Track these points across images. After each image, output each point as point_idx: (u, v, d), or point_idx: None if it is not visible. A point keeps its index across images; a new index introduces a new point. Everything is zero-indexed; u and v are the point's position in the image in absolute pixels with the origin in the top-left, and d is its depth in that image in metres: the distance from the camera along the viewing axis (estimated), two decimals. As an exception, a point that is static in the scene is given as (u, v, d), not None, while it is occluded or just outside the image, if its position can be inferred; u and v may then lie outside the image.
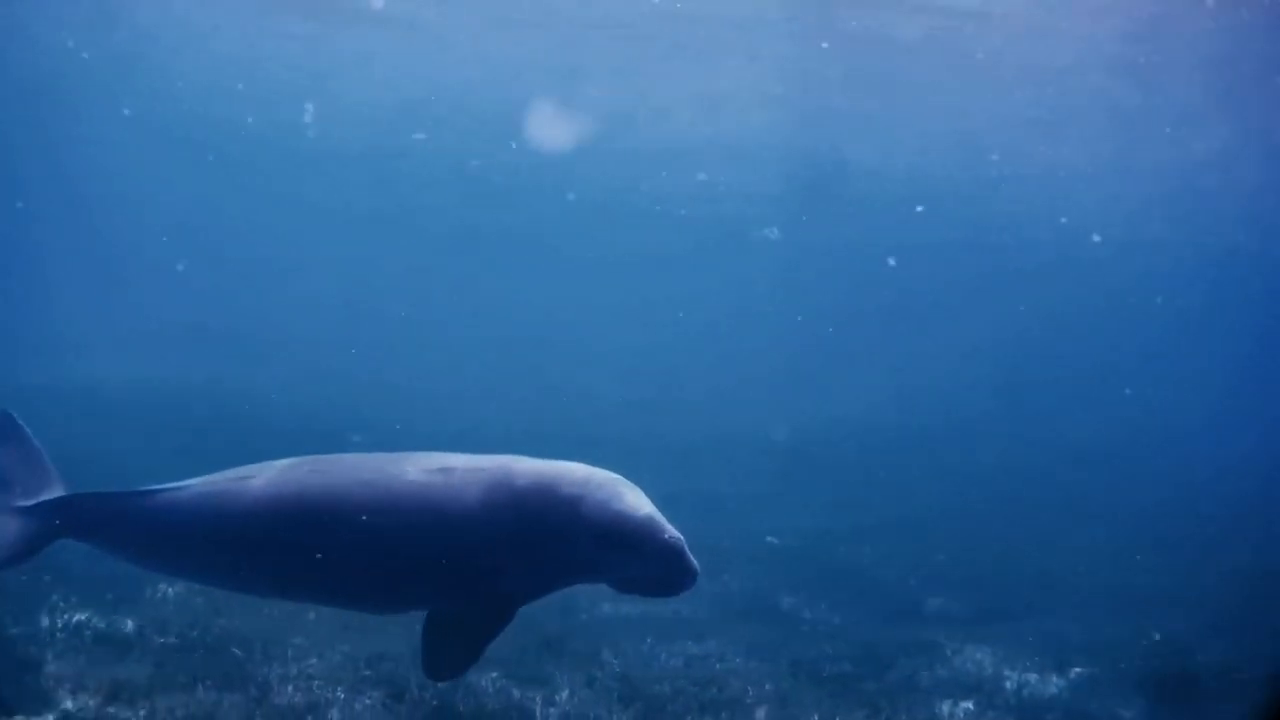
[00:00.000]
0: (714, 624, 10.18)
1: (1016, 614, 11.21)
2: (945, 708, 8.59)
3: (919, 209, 35.98)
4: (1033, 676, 9.59)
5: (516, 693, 8.08)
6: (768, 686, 8.54)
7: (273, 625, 8.84)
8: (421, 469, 6.39)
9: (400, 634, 8.45)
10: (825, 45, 24.21)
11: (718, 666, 9.06)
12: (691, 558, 5.82)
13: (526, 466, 6.29)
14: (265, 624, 8.87)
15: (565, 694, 8.13)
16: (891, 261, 38.46)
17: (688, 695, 8.23)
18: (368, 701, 7.68)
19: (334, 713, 7.51)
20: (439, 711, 7.62)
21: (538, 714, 7.80)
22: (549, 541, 6.10)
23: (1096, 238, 36.27)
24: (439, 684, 7.08)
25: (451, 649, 6.26)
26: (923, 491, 17.86)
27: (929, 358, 38.26)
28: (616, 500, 6.04)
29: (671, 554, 5.88)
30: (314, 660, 8.30)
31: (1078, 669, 9.84)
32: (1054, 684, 9.50)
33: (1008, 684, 9.37)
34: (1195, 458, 23.05)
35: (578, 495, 6.08)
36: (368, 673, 8.11)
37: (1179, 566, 13.76)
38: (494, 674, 8.27)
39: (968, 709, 8.67)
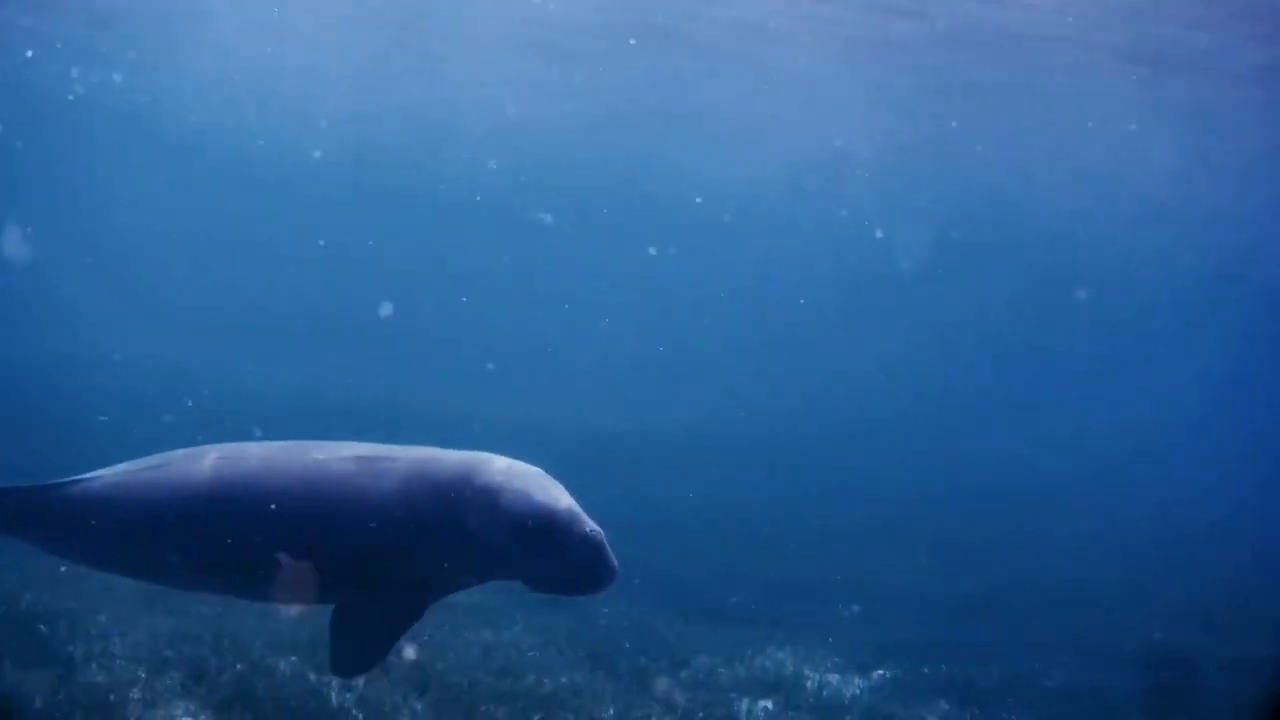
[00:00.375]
0: (512, 614, 10.37)
1: (820, 616, 11.47)
2: (744, 705, 8.85)
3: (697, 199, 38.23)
4: (834, 677, 9.90)
5: (313, 677, 8.28)
6: (564, 679, 8.78)
7: (79, 602, 9.00)
8: (337, 457, 6.39)
9: (204, 615, 8.67)
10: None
11: (515, 656, 9.28)
12: (611, 554, 5.87)
13: (445, 456, 6.34)
14: (72, 600, 9.03)
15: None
16: (652, 251, 40.38)
17: (484, 685, 8.45)
18: (168, 682, 7.87)
19: (135, 692, 7.70)
20: (237, 695, 7.77)
21: (333, 699, 8.01)
22: (466, 533, 6.10)
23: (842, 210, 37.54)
24: (341, 678, 7.11)
25: (359, 644, 6.26)
26: (741, 490, 18.20)
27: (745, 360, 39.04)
28: (538, 492, 6.06)
29: (591, 548, 5.92)
30: (117, 639, 8.48)
31: (880, 671, 10.16)
32: (855, 685, 9.84)
33: (808, 684, 9.65)
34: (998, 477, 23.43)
35: (497, 486, 6.09)
36: (169, 653, 8.30)
37: (992, 575, 14.52)
38: (292, 658, 8.48)
39: (766, 708, 8.94)
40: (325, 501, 6.24)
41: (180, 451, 6.63)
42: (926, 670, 10.24)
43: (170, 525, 6.34)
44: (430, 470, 6.19)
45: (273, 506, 6.19)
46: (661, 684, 9.04)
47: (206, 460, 6.49)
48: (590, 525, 5.88)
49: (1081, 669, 11.01)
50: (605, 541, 5.86)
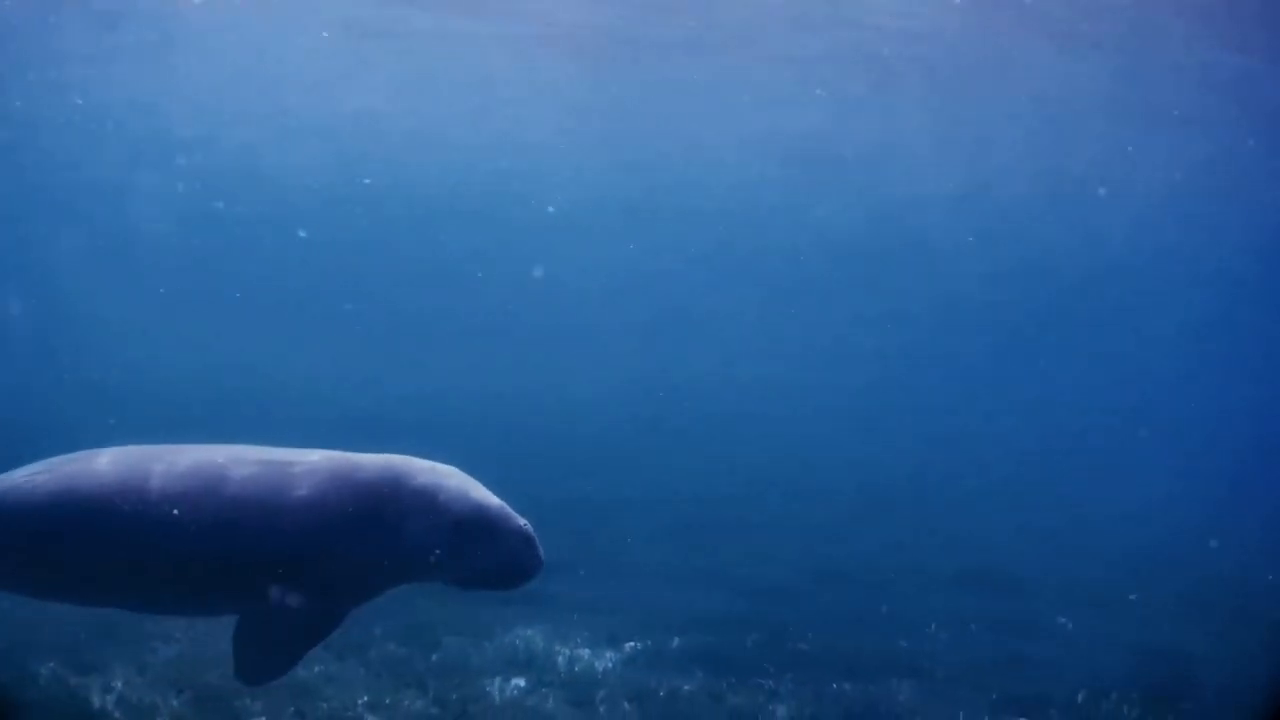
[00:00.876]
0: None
1: (569, 593, 11.92)
2: (496, 685, 9.37)
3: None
4: (585, 652, 10.44)
5: (73, 680, 8.65)
6: (317, 668, 9.19)
7: None
8: (249, 461, 6.25)
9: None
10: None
11: None
12: (540, 546, 6.13)
13: (365, 459, 6.30)
14: None
15: (120, 682, 8.74)
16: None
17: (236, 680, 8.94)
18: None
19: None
20: (-2, 705, 8.00)
21: (94, 701, 8.36)
22: (398, 535, 6.12)
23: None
24: (247, 685, 6.71)
25: (268, 652, 6.19)
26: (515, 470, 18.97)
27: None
28: (472, 490, 6.20)
29: (523, 541, 6.14)
30: None
31: (632, 643, 10.74)
32: (607, 659, 10.39)
33: (559, 660, 10.17)
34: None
35: (432, 486, 6.17)
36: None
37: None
38: (51, 663, 8.84)
39: (519, 686, 9.47)
40: (239, 507, 6.07)
41: (76, 454, 6.41)
42: (677, 641, 10.82)
43: (63, 533, 6.12)
44: (354, 474, 6.18)
45: (175, 512, 5.99)
46: (413, 669, 9.52)
47: (100, 462, 6.29)
48: (521, 520, 6.13)
49: (844, 634, 11.81)
50: (534, 535, 6.13)
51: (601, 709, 9.05)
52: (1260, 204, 31.70)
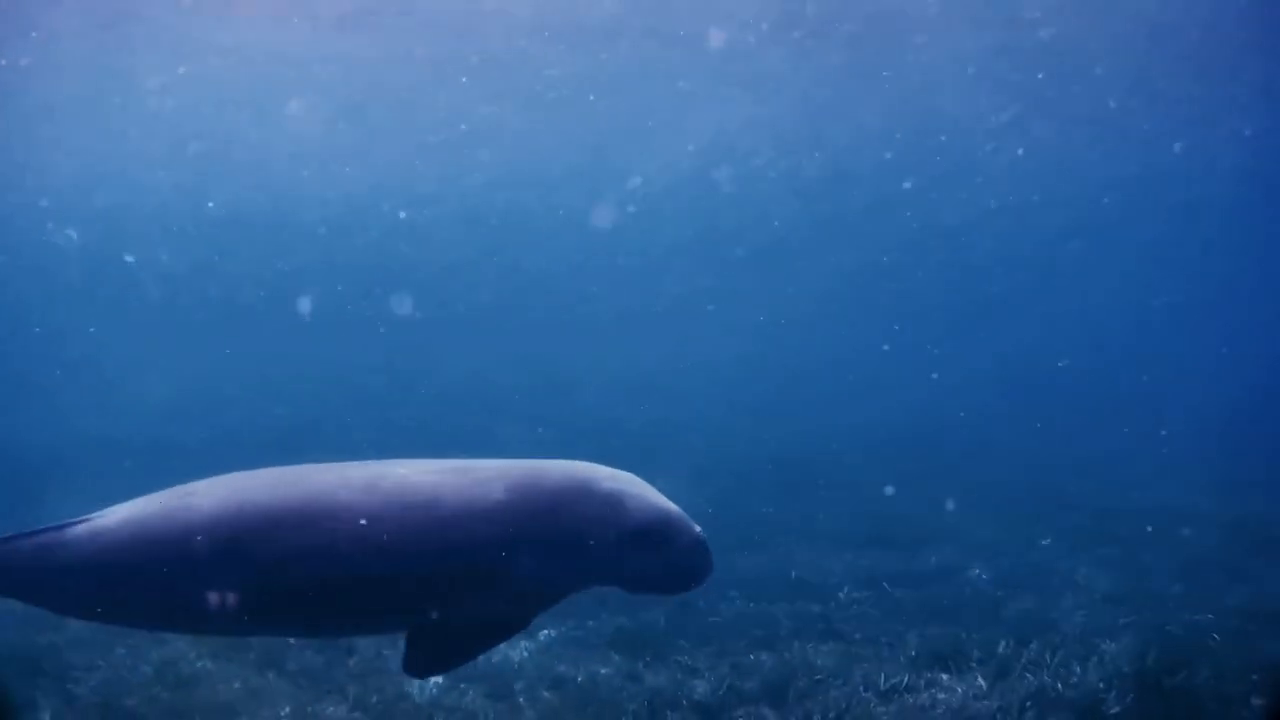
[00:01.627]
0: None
1: None
2: (415, 685, 9.66)
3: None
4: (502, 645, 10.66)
5: (-1, 722, 8.91)
6: (237, 684, 9.55)
7: None
8: (432, 470, 6.34)
9: None
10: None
11: (186, 669, 9.92)
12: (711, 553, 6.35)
13: (550, 465, 6.46)
14: None
15: (48, 715, 8.98)
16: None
17: (162, 702, 9.20)
18: None
19: None
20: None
21: None
22: (587, 539, 6.25)
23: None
24: (414, 676, 6.86)
25: (443, 651, 6.36)
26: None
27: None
28: (653, 496, 6.40)
29: (701, 548, 6.35)
30: None
31: (546, 631, 11.18)
32: (522, 649, 10.80)
33: (479, 656, 10.40)
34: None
35: (618, 492, 6.35)
36: None
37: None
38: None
39: (438, 684, 9.78)
40: (427, 517, 6.14)
41: (223, 477, 6.39)
42: (592, 625, 11.17)
43: (229, 559, 6.05)
44: (541, 481, 6.32)
45: (367, 524, 6.01)
46: (333, 676, 9.84)
47: (259, 482, 6.32)
48: (697, 526, 6.34)
49: (756, 603, 12.34)
50: (707, 541, 6.34)
51: (521, 700, 9.41)
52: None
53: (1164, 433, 25.96)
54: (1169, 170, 34.03)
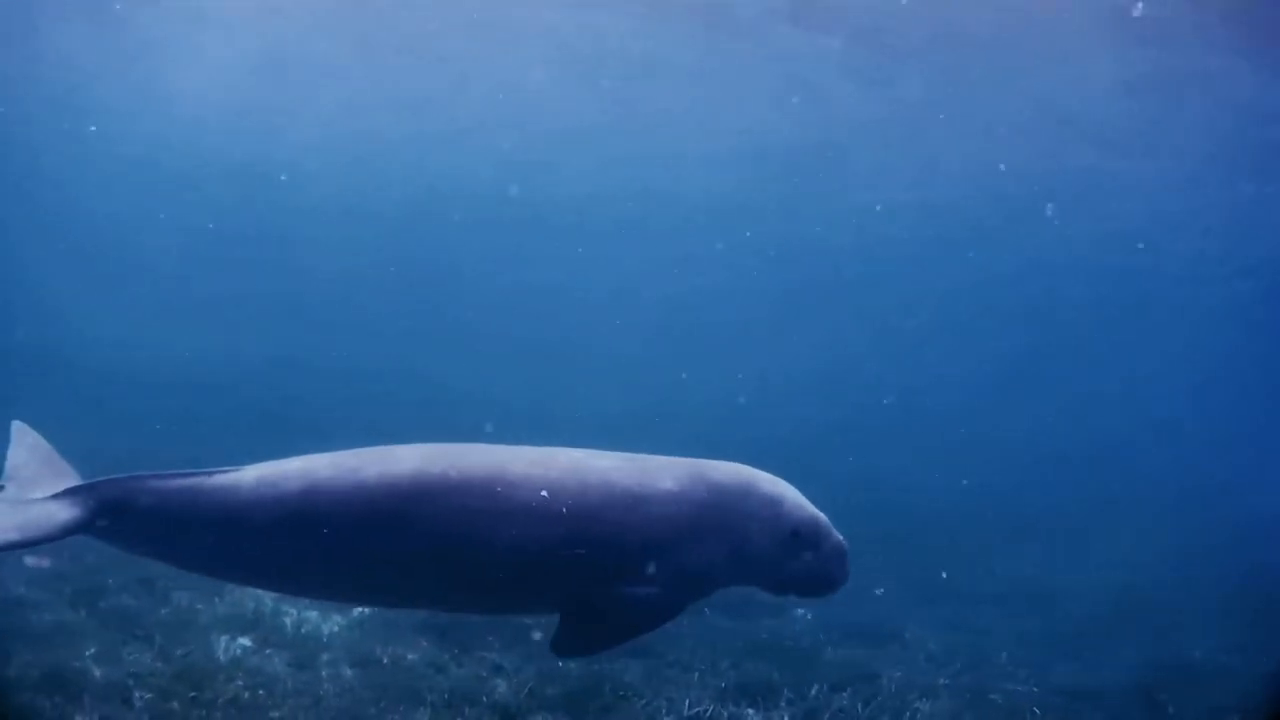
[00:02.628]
0: None
1: None
2: (222, 642, 10.08)
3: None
4: (313, 614, 11.24)
5: None
6: (48, 616, 9.99)
7: None
8: (606, 456, 6.87)
9: None
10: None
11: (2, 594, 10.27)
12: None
13: (715, 464, 7.06)
14: None
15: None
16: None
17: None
18: None
19: None
20: None
21: None
22: (746, 535, 6.84)
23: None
24: (561, 656, 7.19)
25: (601, 635, 6.77)
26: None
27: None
28: (806, 504, 7.04)
29: (841, 556, 7.07)
30: None
31: (361, 610, 11.50)
32: (334, 622, 11.19)
33: (287, 621, 10.95)
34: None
35: (778, 494, 7.00)
36: None
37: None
38: None
39: (244, 644, 10.21)
40: (604, 498, 6.61)
41: (394, 447, 6.71)
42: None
43: (417, 522, 6.37)
44: (709, 474, 6.94)
45: (546, 500, 6.45)
46: (144, 622, 10.18)
47: (440, 451, 6.68)
48: (840, 535, 7.02)
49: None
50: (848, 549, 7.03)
51: (323, 672, 9.80)
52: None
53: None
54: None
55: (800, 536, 6.91)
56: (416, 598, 7.20)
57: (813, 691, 10.60)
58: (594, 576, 6.57)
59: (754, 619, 13.60)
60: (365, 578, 6.61)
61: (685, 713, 9.80)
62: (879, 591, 15.15)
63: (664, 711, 9.80)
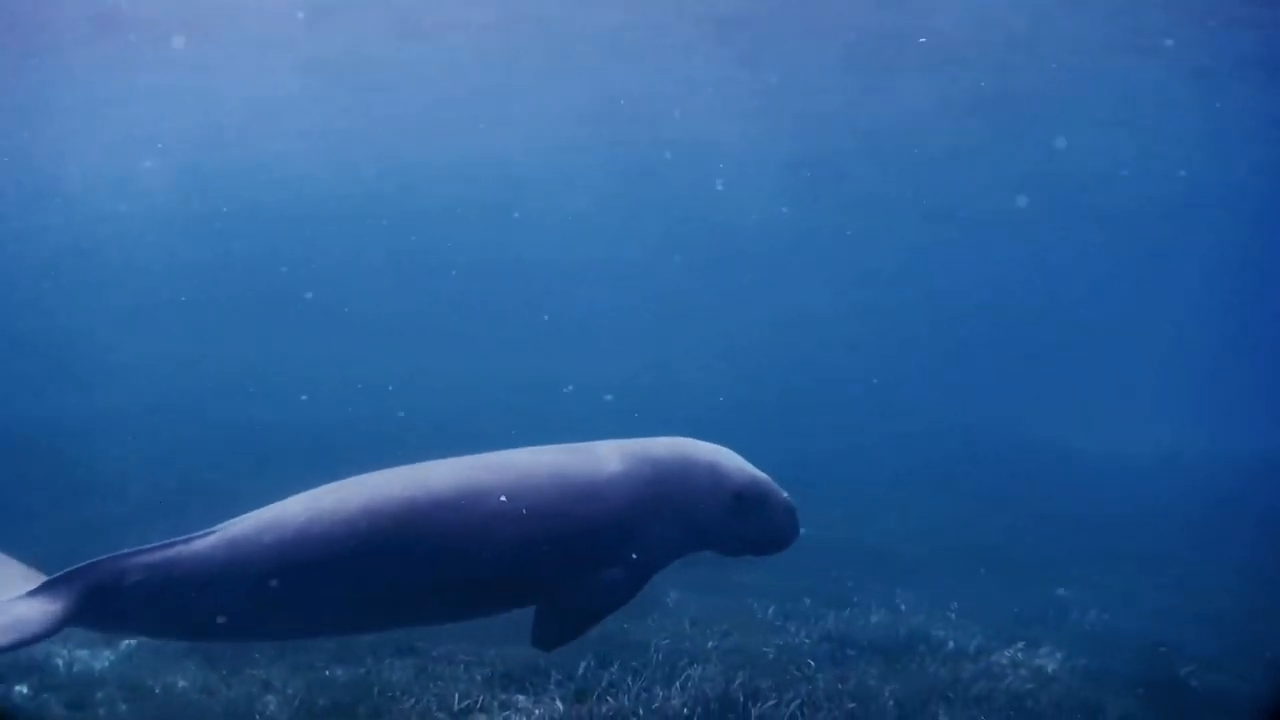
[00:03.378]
0: None
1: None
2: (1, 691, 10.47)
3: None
4: (83, 653, 11.61)
5: None
6: None
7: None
8: (551, 452, 7.41)
9: None
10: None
11: None
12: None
13: (653, 442, 7.60)
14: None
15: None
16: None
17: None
18: None
19: None
20: None
21: None
22: (693, 505, 7.39)
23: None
24: (542, 650, 7.69)
25: (575, 621, 7.26)
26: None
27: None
28: (745, 465, 7.58)
29: (789, 513, 7.57)
30: None
31: (128, 641, 11.84)
32: (105, 658, 11.60)
33: (59, 663, 11.33)
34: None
35: (715, 462, 7.53)
36: None
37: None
38: None
39: (22, 692, 10.60)
40: (560, 493, 7.18)
41: (352, 480, 7.18)
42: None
43: (382, 556, 6.79)
44: (649, 454, 7.47)
45: (524, 509, 6.99)
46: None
47: (397, 477, 7.18)
48: (785, 492, 7.54)
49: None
50: (795, 506, 7.55)
51: (100, 710, 10.25)
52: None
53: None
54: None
55: (744, 499, 7.45)
56: (404, 620, 7.78)
57: (580, 669, 11.02)
58: (562, 570, 7.14)
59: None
60: (354, 612, 7.05)
61: (456, 706, 10.19)
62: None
63: (435, 708, 10.15)
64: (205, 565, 6.71)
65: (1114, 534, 21.32)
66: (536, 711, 10.12)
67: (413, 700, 10.29)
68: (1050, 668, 12.31)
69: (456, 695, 10.35)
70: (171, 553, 6.72)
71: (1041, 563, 18.91)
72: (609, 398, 26.34)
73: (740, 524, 7.53)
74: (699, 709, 9.83)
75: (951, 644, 13.13)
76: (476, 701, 10.28)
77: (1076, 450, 32.13)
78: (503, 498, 6.98)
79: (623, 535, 7.24)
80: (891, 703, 10.35)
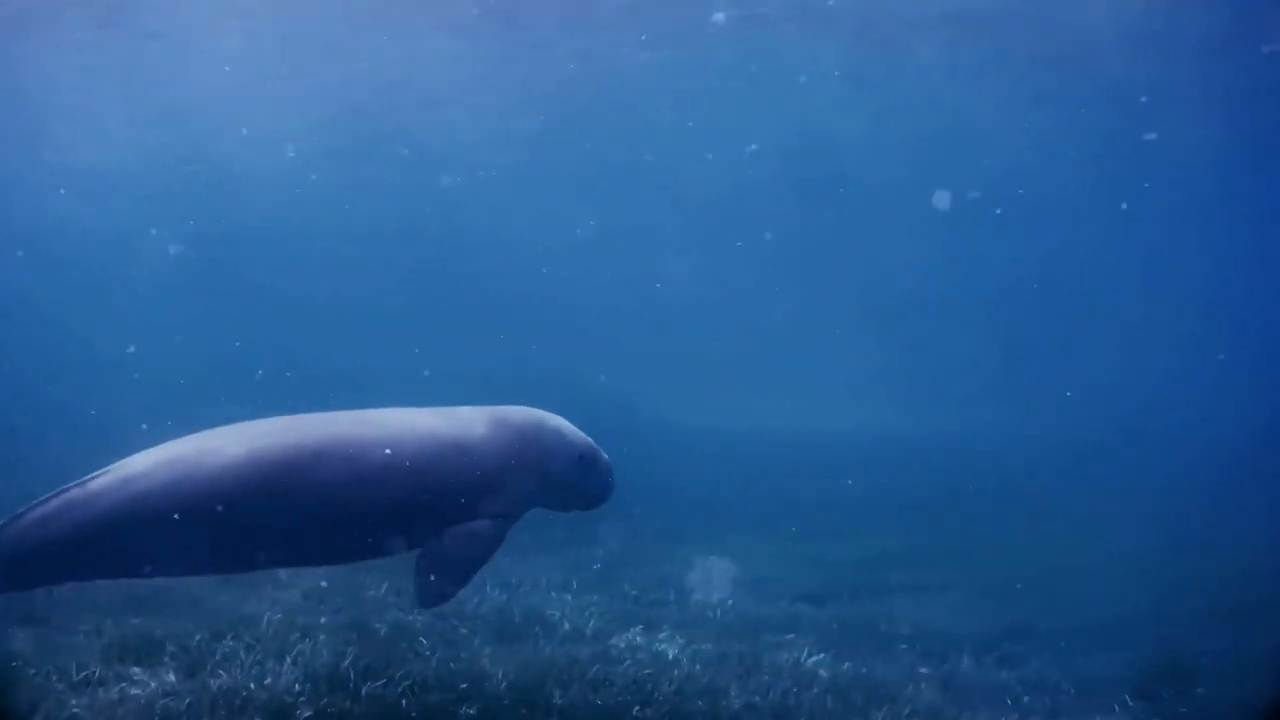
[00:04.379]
0: None
1: None
2: None
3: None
4: None
5: None
6: None
7: None
8: (427, 415, 8.74)
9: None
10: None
11: None
12: None
13: (509, 409, 9.16)
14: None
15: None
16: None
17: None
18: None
19: None
20: None
21: None
22: (545, 465, 9.04)
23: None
24: (426, 609, 9.28)
25: (444, 578, 8.48)
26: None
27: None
28: (580, 432, 9.29)
29: (610, 469, 9.40)
30: None
31: None
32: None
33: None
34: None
35: (560, 427, 9.22)
36: None
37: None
38: None
39: None
40: (434, 452, 8.52)
41: (245, 424, 8.27)
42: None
43: (255, 500, 7.88)
44: (508, 420, 9.05)
45: (386, 451, 8.19)
46: None
47: (287, 424, 8.27)
48: (605, 454, 9.28)
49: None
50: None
51: None
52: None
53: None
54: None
55: (584, 459, 9.24)
56: (294, 558, 9.19)
57: (195, 641, 11.35)
58: (435, 520, 8.50)
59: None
60: (244, 549, 8.17)
61: (75, 678, 10.32)
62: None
63: (55, 679, 10.26)
64: (101, 505, 7.69)
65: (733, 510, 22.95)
66: (151, 684, 10.26)
67: (33, 671, 10.37)
68: (671, 652, 12.98)
69: (74, 665, 10.54)
70: (68, 497, 7.69)
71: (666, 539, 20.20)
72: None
73: (580, 480, 9.25)
74: (309, 685, 10.10)
75: (568, 625, 13.79)
76: (94, 673, 10.46)
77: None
78: (388, 451, 8.19)
79: (489, 488, 8.68)
80: (505, 685, 10.77)
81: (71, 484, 7.72)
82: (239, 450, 7.91)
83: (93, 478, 7.72)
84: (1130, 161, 41.30)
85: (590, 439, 9.30)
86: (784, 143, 40.85)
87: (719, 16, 27.26)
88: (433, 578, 8.50)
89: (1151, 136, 36.66)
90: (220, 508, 7.77)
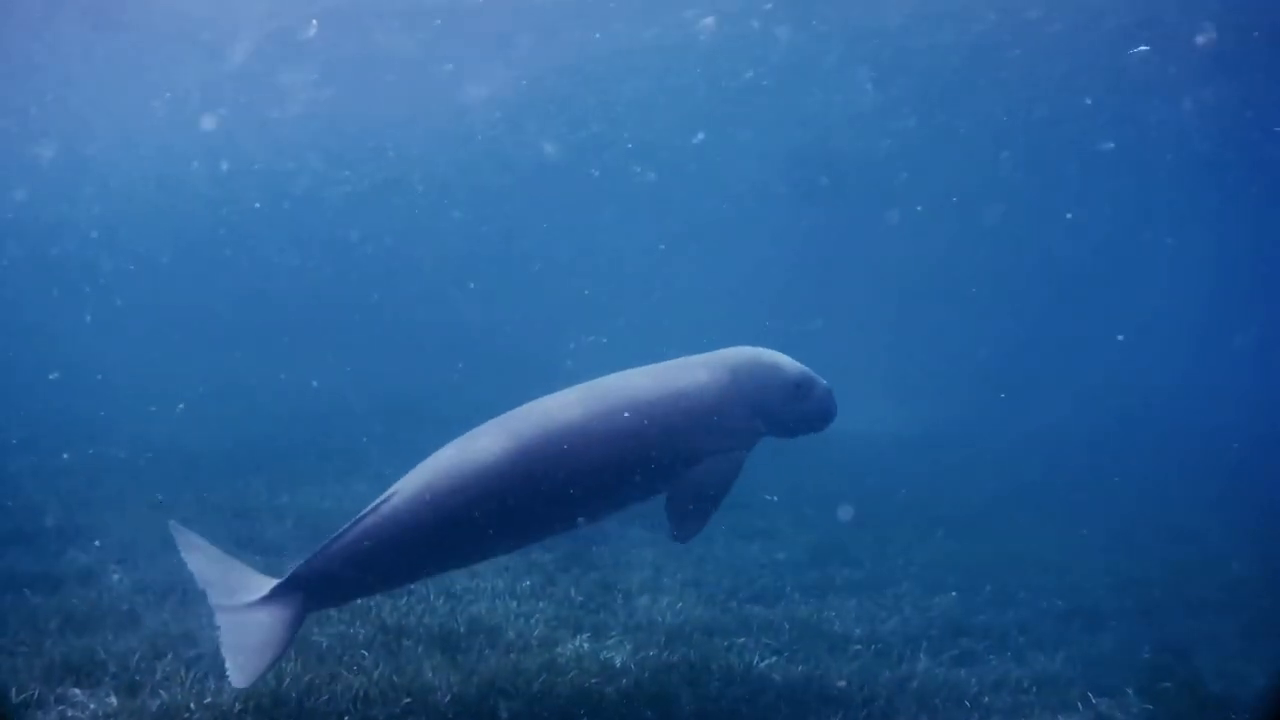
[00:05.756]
0: None
1: None
2: None
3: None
4: None
5: None
6: None
7: None
8: (645, 374, 10.09)
9: None
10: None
11: None
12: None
13: (725, 352, 10.25)
14: None
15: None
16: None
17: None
18: None
19: None
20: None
21: None
22: (767, 398, 10.19)
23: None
24: (682, 542, 10.01)
25: (700, 507, 9.74)
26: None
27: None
28: (795, 361, 10.31)
29: (829, 392, 10.36)
30: None
31: None
32: None
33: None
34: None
35: (775, 360, 10.34)
36: None
37: None
38: None
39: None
40: (675, 399, 9.84)
41: (486, 426, 9.55)
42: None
43: (528, 483, 9.28)
44: (725, 360, 10.20)
45: (625, 416, 9.51)
46: None
47: (534, 415, 9.65)
48: (824, 380, 10.25)
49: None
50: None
51: None
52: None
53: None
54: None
55: (800, 387, 10.41)
56: (571, 522, 9.90)
57: (134, 661, 11.47)
58: (676, 464, 9.79)
59: (66, 590, 14.49)
60: (531, 524, 9.59)
61: (14, 699, 10.36)
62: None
63: None
64: (396, 525, 9.02)
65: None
66: (91, 706, 10.38)
67: (-29, 694, 10.39)
68: (619, 660, 13.04)
69: (14, 689, 10.58)
70: (363, 526, 9.02)
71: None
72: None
73: (799, 406, 10.38)
74: (251, 703, 10.18)
75: (513, 634, 13.89)
76: (34, 695, 10.54)
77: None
78: (626, 414, 9.49)
79: (717, 427, 9.86)
80: (449, 698, 10.97)
81: (363, 514, 9.05)
82: (508, 444, 9.26)
83: (380, 504, 9.06)
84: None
85: (807, 368, 10.45)
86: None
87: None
88: (685, 514, 9.81)
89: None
90: (509, 498, 9.18)
